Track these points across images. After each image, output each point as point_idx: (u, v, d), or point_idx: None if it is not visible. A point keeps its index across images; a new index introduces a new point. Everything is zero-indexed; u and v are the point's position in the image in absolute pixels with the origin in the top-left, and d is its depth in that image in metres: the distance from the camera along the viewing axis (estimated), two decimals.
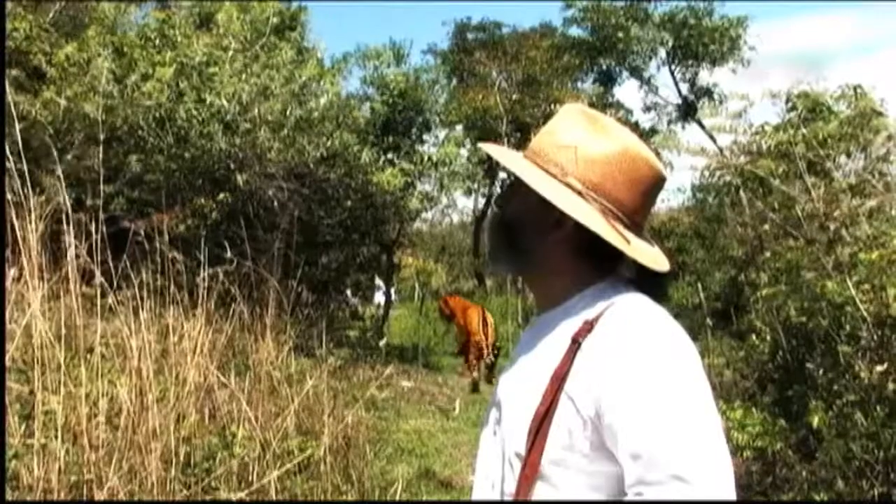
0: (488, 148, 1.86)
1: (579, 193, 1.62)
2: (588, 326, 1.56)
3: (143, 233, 7.14)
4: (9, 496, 4.35)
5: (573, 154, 1.65)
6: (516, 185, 1.73)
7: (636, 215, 1.67)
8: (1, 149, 5.49)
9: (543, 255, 1.70)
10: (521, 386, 1.65)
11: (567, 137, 1.68)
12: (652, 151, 1.68)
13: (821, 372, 5.89)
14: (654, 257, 1.64)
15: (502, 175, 29.83)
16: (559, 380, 1.53)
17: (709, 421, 1.41)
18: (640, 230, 1.68)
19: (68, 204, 5.70)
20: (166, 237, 7.30)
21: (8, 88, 6.79)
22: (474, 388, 13.31)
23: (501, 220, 1.81)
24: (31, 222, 5.40)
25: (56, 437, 4.58)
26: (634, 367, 1.45)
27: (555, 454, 1.52)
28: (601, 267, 1.67)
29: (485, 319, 14.40)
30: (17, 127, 5.51)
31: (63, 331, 4.97)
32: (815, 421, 5.35)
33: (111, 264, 5.96)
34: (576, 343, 1.55)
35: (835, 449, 5.31)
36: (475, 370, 13.78)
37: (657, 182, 1.68)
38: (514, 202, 1.75)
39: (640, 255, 1.60)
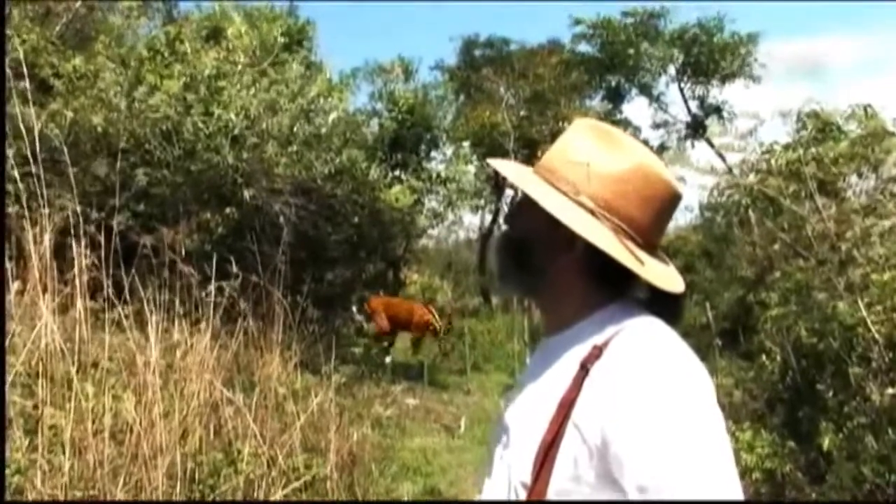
0: (497, 164, 1.81)
1: (591, 212, 1.57)
2: (597, 352, 1.51)
3: (149, 246, 7.16)
4: None
5: (585, 171, 1.60)
6: (525, 203, 1.68)
7: (650, 234, 1.62)
8: (1, 152, 5.52)
9: (553, 277, 1.66)
10: (528, 412, 1.61)
11: (579, 153, 1.63)
12: (666, 168, 1.65)
13: (831, 394, 5.87)
14: (668, 278, 1.60)
15: (509, 192, 29.86)
16: (566, 407, 1.49)
17: (719, 453, 1.37)
18: (654, 250, 1.64)
19: (79, 215, 5.72)
20: (182, 251, 7.32)
21: (15, 100, 6.80)
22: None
23: (510, 239, 1.76)
24: (38, 234, 5.42)
25: (62, 452, 4.59)
26: (642, 395, 1.40)
27: (560, 485, 1.47)
28: (613, 289, 1.62)
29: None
30: (27, 139, 5.51)
31: (68, 345, 4.98)
32: (826, 443, 5.34)
33: (116, 278, 5.98)
34: (584, 369, 1.50)
35: (845, 472, 5.29)
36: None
37: (672, 200, 1.63)
38: (523, 220, 1.71)
39: (654, 276, 1.56)
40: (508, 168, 1.78)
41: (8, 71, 7.60)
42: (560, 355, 1.60)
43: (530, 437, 1.53)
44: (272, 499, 5.69)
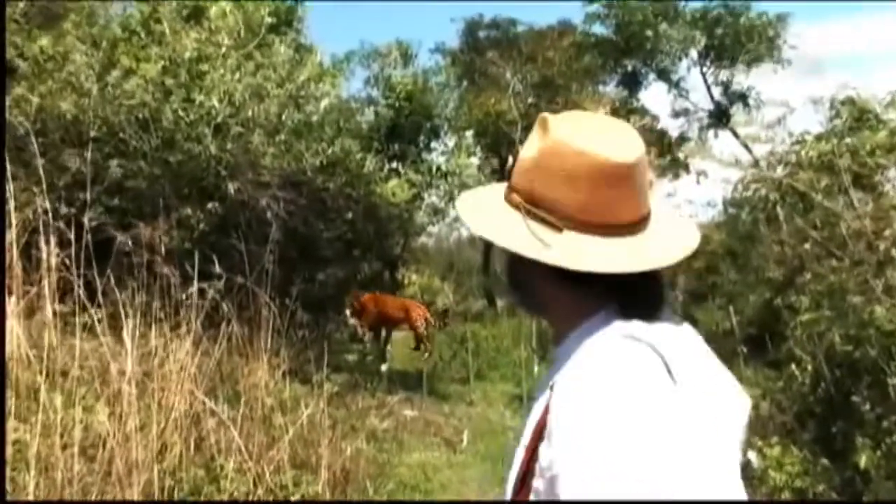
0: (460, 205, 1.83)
1: (516, 207, 1.63)
2: (566, 371, 1.55)
3: (125, 244, 7.13)
4: None
5: (515, 167, 1.68)
6: None
7: (585, 213, 1.59)
8: (1, 149, 5.50)
9: (535, 289, 1.71)
10: (522, 437, 1.64)
11: (520, 153, 1.69)
12: (623, 134, 1.63)
13: (868, 406, 5.84)
14: (594, 257, 1.57)
15: None
16: (539, 432, 1.53)
17: (641, 480, 1.34)
18: (609, 229, 1.60)
19: (47, 211, 5.69)
20: (161, 249, 7.30)
21: None
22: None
23: (503, 264, 1.81)
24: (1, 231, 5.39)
25: (26, 469, 4.56)
26: (572, 421, 1.42)
27: None
28: (600, 296, 1.61)
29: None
30: None
31: (35, 351, 4.95)
32: (862, 461, 5.31)
33: (88, 279, 5.95)
34: (551, 390, 1.54)
35: (884, 492, 5.26)
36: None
37: (602, 169, 1.58)
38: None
39: (560, 257, 1.56)
40: (466, 202, 1.82)
41: None
42: (551, 372, 1.64)
43: (515, 464, 1.61)
44: None
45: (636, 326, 1.55)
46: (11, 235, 5.57)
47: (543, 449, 1.47)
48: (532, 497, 1.51)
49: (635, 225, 1.64)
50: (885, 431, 5.53)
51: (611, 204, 1.61)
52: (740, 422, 1.64)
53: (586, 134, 1.61)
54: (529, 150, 1.65)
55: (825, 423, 6.44)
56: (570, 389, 1.47)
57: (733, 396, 1.65)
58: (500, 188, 1.75)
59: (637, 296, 1.60)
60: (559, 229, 1.59)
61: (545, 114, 1.70)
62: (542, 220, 1.60)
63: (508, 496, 1.61)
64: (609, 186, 1.59)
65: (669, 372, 1.48)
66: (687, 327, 1.68)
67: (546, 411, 1.51)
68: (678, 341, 1.58)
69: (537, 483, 1.49)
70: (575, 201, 1.59)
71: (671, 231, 1.69)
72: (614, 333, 1.54)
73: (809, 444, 6.30)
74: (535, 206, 1.61)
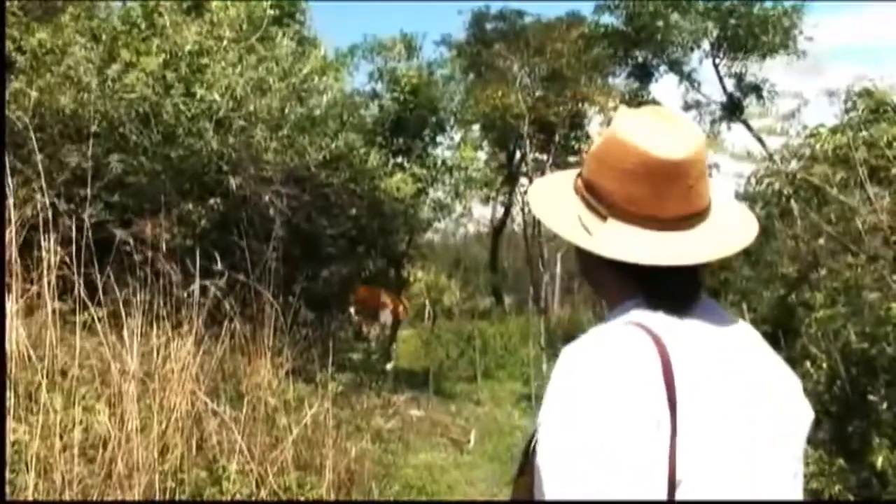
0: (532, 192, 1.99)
1: (577, 192, 1.78)
2: None
3: (125, 241, 7.13)
4: None
5: (585, 157, 1.81)
6: None
7: (633, 205, 1.69)
8: (1, 148, 5.50)
9: (592, 270, 1.81)
10: None
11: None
12: (678, 131, 1.71)
13: (885, 405, 5.83)
14: (630, 248, 1.67)
15: (523, 181, 29.84)
16: None
17: (567, 455, 1.47)
18: (653, 222, 1.69)
19: (46, 207, 5.69)
20: (162, 246, 7.30)
21: None
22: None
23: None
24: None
25: (25, 471, 4.56)
26: (545, 405, 1.56)
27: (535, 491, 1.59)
28: (640, 283, 1.69)
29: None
30: None
31: (34, 351, 4.95)
32: (879, 461, 5.30)
33: (89, 276, 5.95)
34: None
35: None
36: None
37: (650, 167, 1.66)
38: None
39: (599, 245, 1.69)
40: (538, 188, 2.01)
41: None
42: None
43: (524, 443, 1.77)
44: None
45: (652, 317, 1.62)
46: (10, 233, 5.57)
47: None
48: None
49: (682, 220, 1.71)
50: None
51: (655, 198, 1.69)
52: (790, 429, 1.69)
53: (642, 129, 1.69)
54: (598, 139, 1.78)
55: (841, 423, 6.42)
56: (557, 365, 1.59)
57: (787, 405, 1.71)
58: (569, 180, 1.87)
59: (660, 289, 1.67)
60: (603, 217, 1.70)
61: (624, 109, 1.82)
62: (592, 208, 1.72)
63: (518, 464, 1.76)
64: (654, 181, 1.67)
65: (668, 366, 1.52)
66: (740, 329, 1.77)
67: None
68: (704, 340, 1.63)
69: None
70: (621, 192, 1.69)
71: (719, 231, 1.75)
72: (622, 319, 1.64)
73: (825, 444, 6.28)
74: (590, 194, 1.74)
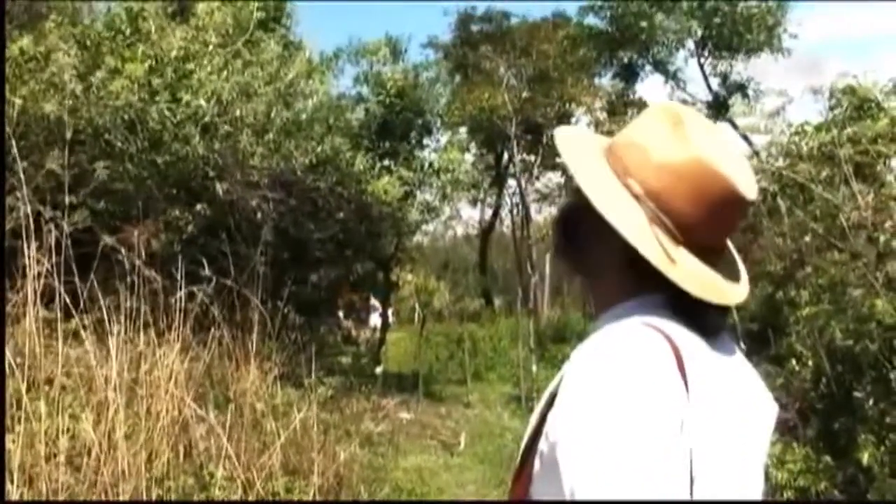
0: (561, 133, 1.82)
1: (636, 197, 1.63)
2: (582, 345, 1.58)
3: (111, 248, 7.11)
4: None
5: (641, 155, 1.65)
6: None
7: (698, 234, 1.63)
8: (1, 149, 5.48)
9: (596, 259, 1.73)
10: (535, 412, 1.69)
11: (641, 136, 1.69)
12: (745, 163, 1.67)
13: (871, 402, 5.83)
14: (703, 284, 1.61)
15: (511, 182, 29.85)
16: (552, 399, 1.56)
17: (636, 464, 1.40)
18: (707, 253, 1.65)
19: (30, 215, 5.67)
20: (147, 252, 7.28)
21: None
22: None
23: (566, 208, 1.85)
24: None
25: (10, 480, 4.55)
26: (575, 400, 1.47)
27: (535, 486, 1.58)
28: (646, 282, 1.64)
29: None
30: None
31: (18, 359, 4.94)
32: (865, 457, 5.31)
33: (78, 282, 5.94)
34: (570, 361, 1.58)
35: (888, 489, 5.26)
36: None
37: (732, 201, 1.63)
38: (579, 193, 1.72)
39: (681, 277, 1.58)
40: (568, 135, 1.83)
41: None
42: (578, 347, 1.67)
43: (528, 428, 1.65)
44: None
45: (659, 319, 1.59)
46: None
47: (550, 415, 1.53)
48: (536, 460, 1.56)
49: (720, 252, 1.71)
50: (888, 427, 5.52)
51: (721, 230, 1.69)
52: (764, 426, 1.72)
53: (725, 158, 1.63)
54: (664, 149, 1.65)
55: (827, 420, 6.43)
56: (579, 362, 1.52)
57: (760, 402, 1.73)
58: (595, 147, 1.78)
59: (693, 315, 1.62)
60: (678, 242, 1.63)
61: (677, 109, 1.72)
62: (664, 228, 1.62)
63: (518, 461, 1.65)
64: (728, 216, 1.66)
65: (682, 366, 1.51)
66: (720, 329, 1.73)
67: (560, 380, 1.56)
68: (699, 343, 1.61)
69: (542, 445, 1.54)
70: (695, 219, 1.62)
71: (735, 269, 1.75)
72: (637, 320, 1.58)
73: (812, 441, 6.29)
74: (659, 209, 1.62)
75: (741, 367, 1.72)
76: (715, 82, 24.24)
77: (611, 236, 1.62)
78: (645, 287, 1.64)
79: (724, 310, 1.67)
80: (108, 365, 5.63)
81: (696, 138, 1.64)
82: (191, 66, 10.86)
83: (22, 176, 6.23)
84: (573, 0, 22.14)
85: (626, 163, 1.66)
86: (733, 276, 1.72)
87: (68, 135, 8.82)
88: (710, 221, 1.63)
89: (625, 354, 1.51)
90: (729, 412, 1.58)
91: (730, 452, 1.56)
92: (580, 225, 1.73)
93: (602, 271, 1.73)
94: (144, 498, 5.10)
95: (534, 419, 1.64)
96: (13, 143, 6.76)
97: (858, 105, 7.51)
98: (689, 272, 1.60)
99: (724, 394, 1.58)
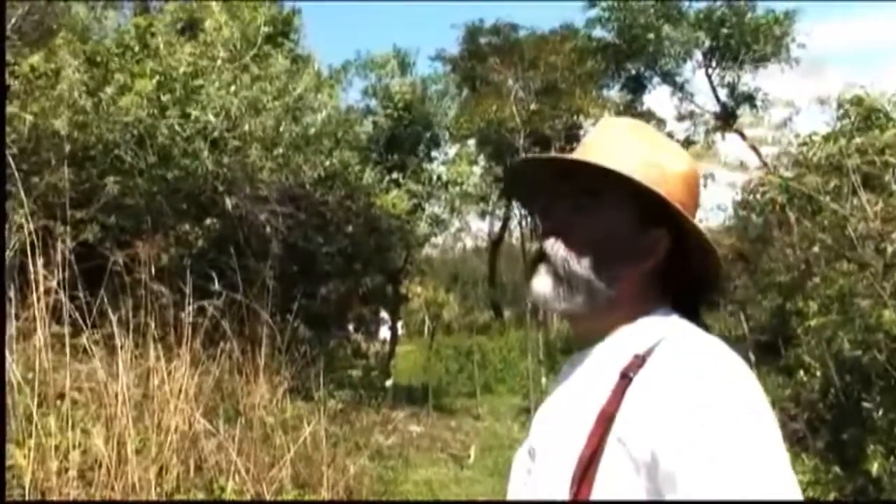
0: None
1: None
2: (639, 361, 1.52)
3: (121, 263, 7.14)
4: None
5: (660, 171, 1.64)
6: (610, 200, 1.65)
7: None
8: (1, 154, 5.50)
9: (623, 286, 1.64)
10: (561, 429, 1.61)
11: (650, 155, 1.66)
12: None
13: (879, 412, 5.82)
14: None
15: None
16: (607, 420, 1.48)
17: (776, 466, 1.35)
18: None
19: (40, 231, 5.70)
20: (157, 267, 7.31)
21: None
22: None
23: (583, 239, 1.66)
24: None
25: (21, 495, 4.57)
26: (694, 408, 1.39)
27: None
28: (663, 296, 1.67)
29: None
30: None
31: (29, 375, 4.96)
32: (874, 468, 5.30)
33: (85, 299, 5.96)
34: (626, 378, 1.50)
35: None
36: None
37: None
38: (597, 219, 1.66)
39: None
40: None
41: None
42: (596, 366, 1.63)
43: (566, 455, 1.53)
44: None
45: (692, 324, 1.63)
46: (4, 256, 5.59)
47: (636, 439, 1.43)
48: (606, 485, 1.45)
49: None
50: None
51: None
52: None
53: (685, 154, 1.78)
54: (673, 160, 1.69)
55: (836, 430, 6.42)
56: (685, 382, 1.43)
57: None
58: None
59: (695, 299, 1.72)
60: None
61: (635, 123, 1.78)
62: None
63: (564, 489, 1.51)
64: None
65: None
66: None
67: (616, 399, 1.49)
68: None
69: (621, 472, 1.44)
70: (695, 210, 1.74)
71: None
72: (693, 330, 1.59)
73: (821, 451, 6.29)
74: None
75: None
76: (723, 93, 24.20)
77: (646, 260, 1.63)
78: (666, 300, 1.68)
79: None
80: (118, 380, 5.65)
81: (676, 146, 1.77)
82: (199, 81, 10.90)
83: (26, 192, 6.25)
84: (580, 3, 21.83)
85: (652, 182, 1.59)
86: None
87: (66, 149, 8.86)
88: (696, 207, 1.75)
89: (735, 361, 1.50)
90: None
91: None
92: (612, 250, 1.64)
93: (626, 295, 1.65)
94: None
95: (576, 441, 1.52)
96: (25, 158, 6.79)
97: (866, 115, 7.52)
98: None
99: None
